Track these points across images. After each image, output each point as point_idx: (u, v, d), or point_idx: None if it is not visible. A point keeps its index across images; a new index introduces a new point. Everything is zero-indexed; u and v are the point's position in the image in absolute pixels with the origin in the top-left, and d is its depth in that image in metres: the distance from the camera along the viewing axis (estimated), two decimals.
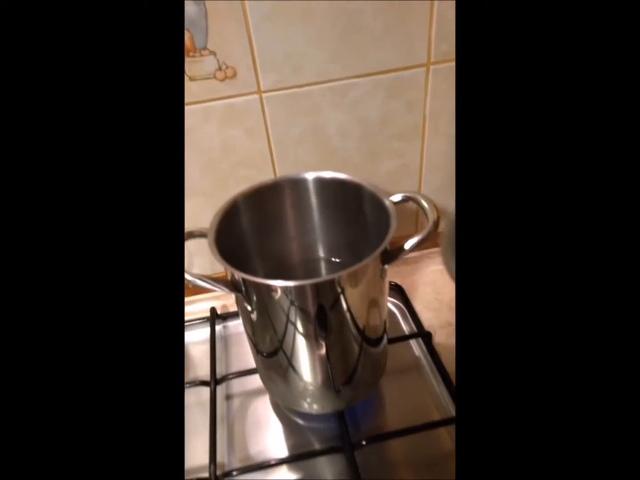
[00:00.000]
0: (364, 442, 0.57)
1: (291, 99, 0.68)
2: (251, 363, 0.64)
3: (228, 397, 0.68)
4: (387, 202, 0.53)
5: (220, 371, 0.69)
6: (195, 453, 0.58)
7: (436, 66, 0.68)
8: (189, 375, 0.71)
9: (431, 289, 0.80)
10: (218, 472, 0.56)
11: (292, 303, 0.48)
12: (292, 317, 0.50)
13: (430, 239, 0.49)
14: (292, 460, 0.59)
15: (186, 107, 0.66)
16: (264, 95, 0.67)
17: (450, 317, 0.75)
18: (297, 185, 0.62)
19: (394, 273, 0.80)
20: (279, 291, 0.48)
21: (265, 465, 0.57)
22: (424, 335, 0.70)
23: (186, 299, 0.81)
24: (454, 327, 0.73)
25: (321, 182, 0.61)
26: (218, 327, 0.77)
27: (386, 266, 0.50)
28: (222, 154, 0.71)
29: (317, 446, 0.61)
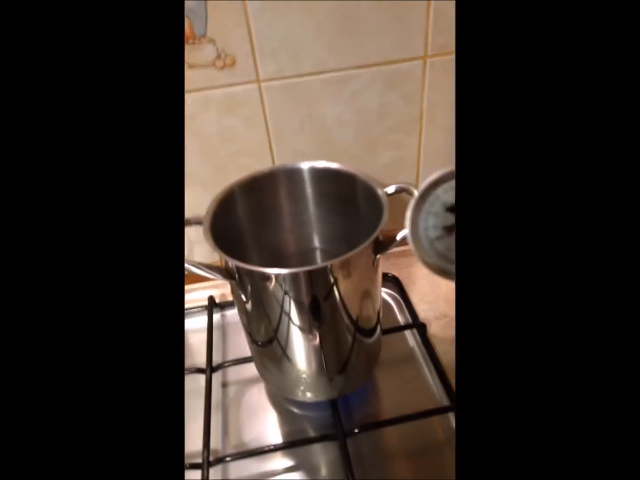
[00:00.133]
0: (356, 430, 0.58)
1: (290, 89, 0.68)
2: (247, 352, 0.64)
3: (224, 385, 0.68)
4: (380, 193, 0.53)
5: (216, 359, 0.70)
6: (190, 439, 0.58)
7: (433, 59, 0.68)
8: (186, 363, 0.71)
9: (427, 281, 0.80)
10: (211, 458, 0.56)
11: (285, 291, 0.49)
12: (286, 304, 0.50)
13: None
14: (284, 447, 0.59)
15: (185, 95, 0.66)
16: (262, 84, 0.67)
17: (446, 309, 0.75)
18: (292, 174, 0.62)
19: (390, 265, 0.80)
20: (273, 279, 0.48)
21: (258, 452, 0.58)
22: (419, 327, 0.71)
23: (185, 287, 0.81)
24: (449, 319, 0.74)
25: (316, 172, 0.61)
26: (216, 316, 0.78)
27: (379, 256, 0.51)
28: (220, 142, 0.71)
29: (310, 434, 0.61)
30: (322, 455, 0.59)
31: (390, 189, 0.55)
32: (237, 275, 0.50)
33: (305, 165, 0.61)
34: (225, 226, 0.56)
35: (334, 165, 0.60)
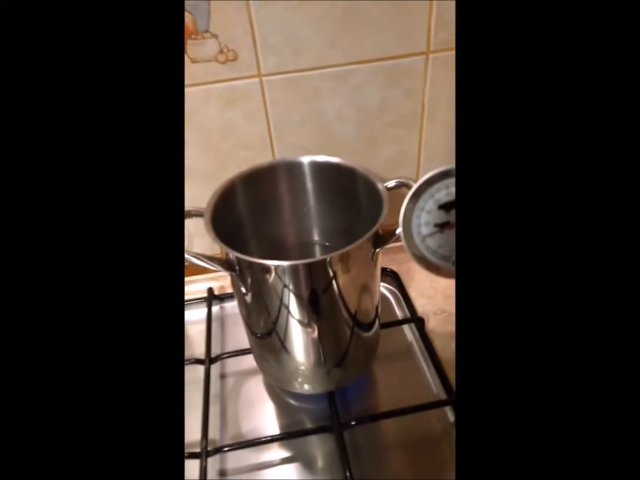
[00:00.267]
0: (353, 423, 0.58)
1: (291, 83, 0.68)
2: (246, 344, 0.65)
3: (222, 376, 0.69)
4: (380, 187, 0.53)
5: (215, 350, 0.70)
6: (188, 429, 0.58)
7: (435, 55, 0.68)
8: (185, 354, 0.71)
9: (426, 276, 0.79)
10: (209, 448, 0.57)
11: (284, 283, 0.49)
12: (285, 297, 0.50)
13: None
14: (282, 438, 0.60)
15: (187, 89, 0.66)
16: (264, 78, 0.67)
17: (444, 304, 0.76)
18: (293, 168, 0.62)
19: (389, 260, 0.81)
20: (272, 271, 0.48)
21: (255, 443, 0.58)
22: (417, 321, 0.71)
23: (185, 279, 0.82)
24: (447, 314, 0.74)
25: (316, 166, 0.62)
26: (215, 308, 0.78)
27: (378, 250, 0.51)
28: (222, 136, 0.71)
29: (308, 426, 0.62)
30: (319, 447, 0.59)
31: (390, 184, 0.55)
32: (237, 267, 0.50)
33: (305, 159, 0.61)
34: (225, 219, 0.56)
35: (334, 159, 0.60)
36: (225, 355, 0.69)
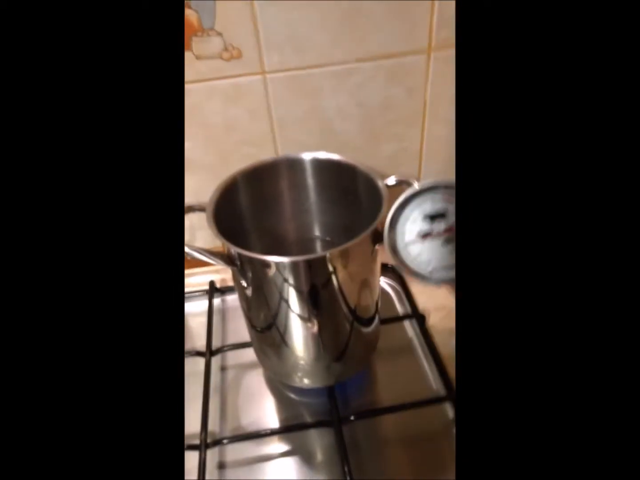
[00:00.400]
0: (352, 418, 0.59)
1: (294, 81, 0.68)
2: (247, 337, 0.65)
3: (223, 369, 0.69)
4: (380, 184, 0.54)
5: (216, 343, 0.71)
6: (188, 421, 0.59)
7: (437, 53, 0.68)
8: (186, 346, 0.72)
9: None
10: (209, 440, 0.57)
11: (285, 279, 0.49)
12: (285, 292, 0.51)
13: None
14: (281, 431, 0.60)
15: (192, 85, 0.67)
16: (267, 76, 0.67)
17: (445, 300, 0.76)
18: (294, 165, 0.62)
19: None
20: (273, 266, 0.49)
21: (254, 436, 0.59)
22: (418, 317, 0.71)
23: (186, 272, 0.82)
24: (448, 310, 0.74)
25: (318, 163, 0.62)
26: (216, 300, 0.79)
27: (377, 246, 0.51)
28: (225, 132, 0.72)
29: (307, 420, 0.62)
30: (318, 441, 0.60)
31: (391, 181, 0.55)
32: (238, 262, 0.51)
33: (307, 156, 0.62)
34: (228, 213, 0.56)
35: (335, 156, 0.61)
36: (226, 348, 0.69)
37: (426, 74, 0.70)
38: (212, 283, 0.79)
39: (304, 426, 0.60)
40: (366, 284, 0.55)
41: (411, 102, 0.73)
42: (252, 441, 0.59)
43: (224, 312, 0.78)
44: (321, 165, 0.62)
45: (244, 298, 0.57)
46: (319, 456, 0.59)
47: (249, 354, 0.66)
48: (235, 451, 0.59)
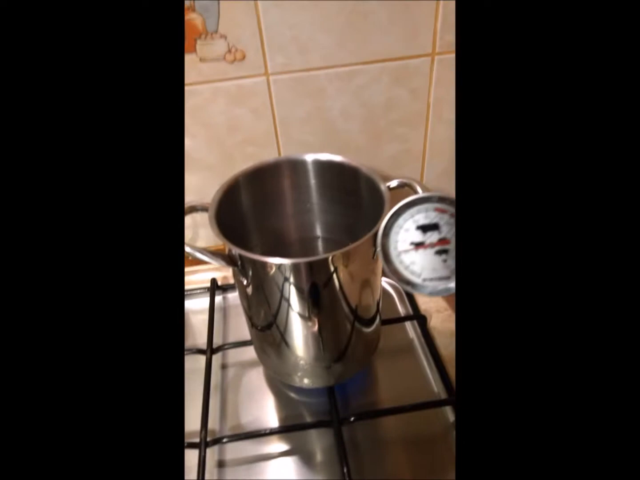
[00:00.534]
0: (352, 419, 0.58)
1: (297, 82, 0.68)
2: (248, 334, 0.65)
3: (223, 367, 0.69)
4: (382, 187, 0.53)
5: (217, 341, 0.71)
6: (188, 419, 0.59)
7: (441, 56, 0.68)
8: (187, 343, 0.72)
9: None
10: (208, 438, 0.57)
11: (286, 280, 0.49)
12: (286, 293, 0.51)
13: None
14: (281, 431, 0.60)
15: (195, 86, 0.67)
16: (271, 77, 0.67)
17: (447, 302, 0.76)
18: (297, 165, 0.62)
19: None
20: (274, 268, 0.48)
21: (254, 435, 0.59)
22: (419, 318, 0.71)
23: (188, 269, 0.82)
24: (449, 312, 0.74)
25: (320, 164, 0.62)
26: (218, 298, 0.79)
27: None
28: (228, 132, 0.72)
29: (307, 419, 0.62)
30: (318, 441, 0.60)
31: (393, 183, 0.55)
32: (239, 262, 0.50)
33: (309, 157, 0.62)
34: (230, 213, 0.56)
35: (337, 158, 0.60)
36: (227, 346, 0.69)
37: (430, 77, 0.70)
38: (213, 280, 0.79)
39: (304, 426, 0.60)
40: (367, 285, 0.55)
41: (415, 104, 0.72)
42: (252, 440, 0.59)
43: (225, 309, 0.78)
44: (323, 167, 0.62)
45: (244, 297, 0.57)
46: (318, 456, 0.58)
47: (250, 352, 0.66)
48: (234, 450, 0.59)
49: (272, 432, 0.59)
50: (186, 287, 0.80)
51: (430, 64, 0.69)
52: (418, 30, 0.66)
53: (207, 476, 0.54)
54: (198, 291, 0.80)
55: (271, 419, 0.63)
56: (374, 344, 0.64)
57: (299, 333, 0.55)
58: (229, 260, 0.51)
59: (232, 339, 0.72)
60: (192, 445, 0.56)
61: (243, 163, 0.60)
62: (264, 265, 0.49)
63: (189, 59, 0.65)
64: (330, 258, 0.48)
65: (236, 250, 0.49)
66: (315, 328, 0.54)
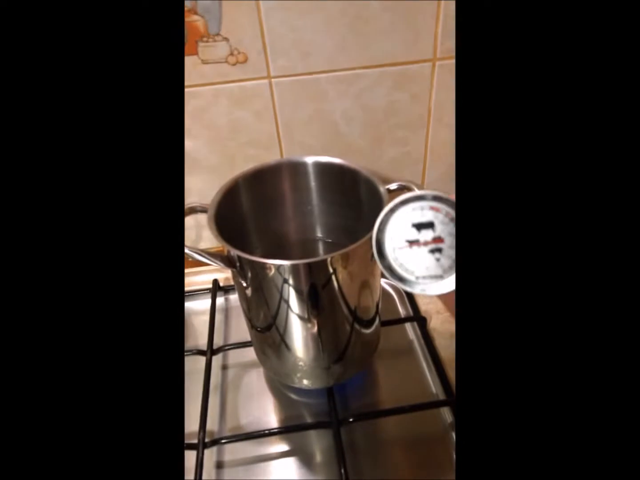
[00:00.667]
0: (351, 420, 0.58)
1: (299, 85, 0.68)
2: (249, 336, 0.64)
3: (224, 367, 0.68)
4: (381, 189, 0.53)
5: (218, 341, 0.70)
6: (187, 420, 0.58)
7: (442, 62, 0.68)
8: (188, 344, 0.71)
9: None
10: (207, 439, 0.56)
11: (285, 281, 0.49)
12: (285, 294, 0.50)
13: None
14: (279, 432, 0.59)
15: (197, 88, 0.67)
16: (273, 80, 0.67)
17: (444, 303, 0.75)
18: (297, 168, 0.62)
19: None
20: (273, 269, 0.48)
21: (253, 436, 0.58)
22: (419, 320, 0.70)
23: (191, 270, 0.82)
24: (449, 313, 0.73)
25: (320, 166, 0.61)
26: (219, 299, 0.78)
27: None
28: (231, 134, 0.71)
29: (307, 420, 0.61)
30: (317, 442, 0.59)
31: (393, 186, 0.55)
32: (238, 264, 0.50)
33: (309, 160, 0.61)
34: (230, 215, 0.56)
35: (337, 160, 0.60)
36: (227, 347, 0.68)
37: (431, 82, 0.70)
38: (215, 282, 0.78)
39: (303, 427, 0.59)
40: (366, 286, 0.54)
41: (416, 108, 0.72)
42: (250, 441, 0.58)
43: (227, 310, 0.78)
44: (323, 169, 0.61)
45: (244, 299, 0.56)
46: (317, 457, 0.58)
47: (251, 353, 0.65)
48: (233, 451, 0.58)
49: (270, 433, 0.58)
50: (188, 288, 0.80)
51: (431, 69, 0.68)
52: (419, 36, 0.65)
53: (205, 477, 0.54)
54: (200, 292, 0.79)
55: (271, 419, 0.62)
56: (374, 345, 0.64)
57: (299, 334, 0.55)
58: (228, 261, 0.50)
59: (233, 339, 0.71)
60: (190, 447, 0.56)
61: (245, 165, 0.60)
62: (263, 266, 0.48)
63: (191, 61, 0.64)
64: (329, 259, 0.48)
65: (234, 252, 0.48)
66: (315, 329, 0.54)
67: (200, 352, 0.67)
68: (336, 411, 0.59)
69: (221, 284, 0.79)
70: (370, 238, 0.47)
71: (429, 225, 0.35)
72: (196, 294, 0.79)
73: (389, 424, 0.60)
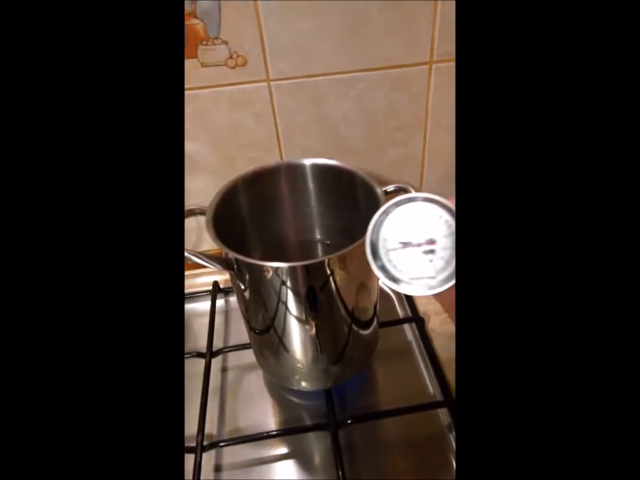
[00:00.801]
0: (349, 421, 0.57)
1: (298, 88, 0.67)
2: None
3: (223, 370, 0.67)
4: (378, 191, 0.52)
5: (218, 343, 0.69)
6: (186, 423, 0.57)
7: (439, 65, 0.67)
8: (188, 346, 0.70)
9: None
10: (205, 442, 0.55)
11: (283, 283, 0.48)
12: (283, 297, 0.49)
13: None
14: (278, 434, 0.58)
15: (198, 91, 0.66)
16: (272, 83, 0.67)
17: (440, 305, 0.74)
18: (295, 170, 0.61)
19: None
20: (270, 272, 0.47)
21: (251, 438, 0.57)
22: (418, 321, 0.69)
23: (192, 272, 0.81)
24: (447, 314, 0.72)
25: (318, 168, 0.61)
26: (220, 301, 0.77)
27: None
28: (230, 136, 0.71)
29: (306, 422, 0.60)
30: (315, 444, 0.58)
31: (390, 188, 0.54)
32: (235, 266, 0.49)
33: (307, 162, 0.61)
34: (229, 218, 0.55)
35: (334, 162, 0.59)
36: (227, 349, 0.68)
37: (428, 85, 0.69)
38: (215, 283, 0.78)
39: (301, 429, 0.59)
40: (364, 287, 0.53)
41: (414, 110, 0.72)
42: (249, 444, 0.57)
43: (227, 312, 0.77)
44: (321, 171, 0.61)
45: (242, 301, 0.55)
46: (316, 459, 0.57)
47: (250, 356, 0.64)
48: (231, 454, 0.57)
49: (268, 436, 0.58)
50: (189, 290, 0.79)
51: (428, 71, 0.68)
52: (416, 40, 0.65)
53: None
54: (201, 294, 0.78)
55: (269, 422, 0.61)
56: (372, 347, 0.63)
57: (297, 336, 0.54)
58: (226, 264, 0.50)
59: (233, 342, 0.70)
60: (189, 450, 0.55)
61: (246, 167, 0.59)
62: (260, 269, 0.48)
63: (190, 64, 0.64)
64: (326, 261, 0.47)
65: (232, 254, 0.48)
66: (313, 331, 0.53)
67: (200, 355, 0.66)
68: (334, 413, 0.58)
69: (221, 286, 0.78)
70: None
71: (422, 227, 0.34)
72: (196, 295, 0.78)
73: (387, 426, 0.59)
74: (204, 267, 0.76)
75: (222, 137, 0.71)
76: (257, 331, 0.57)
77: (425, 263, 0.34)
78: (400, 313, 0.74)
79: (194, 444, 0.55)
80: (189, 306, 0.78)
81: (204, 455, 0.54)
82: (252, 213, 0.61)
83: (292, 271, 0.47)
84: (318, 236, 0.68)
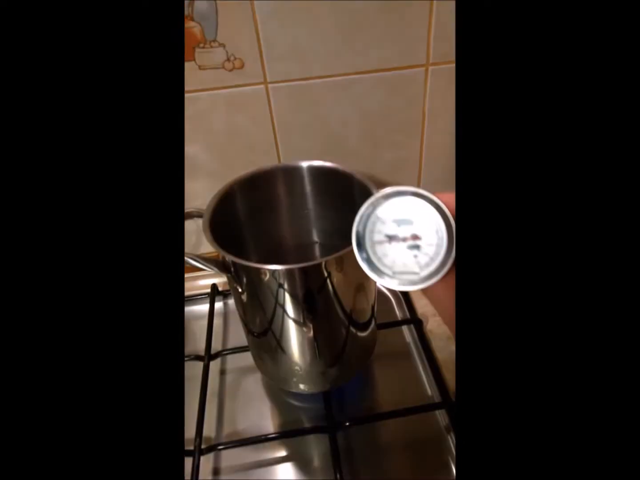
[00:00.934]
0: (347, 424, 0.56)
1: (296, 91, 0.67)
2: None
3: (222, 372, 0.66)
4: (375, 192, 0.51)
5: (217, 346, 0.68)
6: (185, 425, 0.56)
7: (435, 67, 0.67)
8: (187, 349, 0.69)
9: None
10: (203, 446, 0.54)
11: (280, 286, 0.47)
12: (281, 299, 0.49)
13: None
14: (276, 437, 0.57)
15: (195, 94, 0.65)
16: (269, 86, 0.66)
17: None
18: (292, 172, 0.61)
19: None
20: (267, 274, 0.47)
21: (249, 441, 0.56)
22: (416, 322, 0.68)
23: (190, 275, 0.80)
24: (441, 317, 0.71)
25: (315, 170, 0.60)
26: (218, 304, 0.76)
27: None
28: (229, 138, 0.70)
29: (305, 425, 0.59)
30: (314, 447, 0.57)
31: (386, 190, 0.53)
32: (232, 269, 0.49)
33: (304, 164, 0.60)
34: (227, 221, 0.54)
35: (331, 164, 0.59)
36: (225, 352, 0.67)
37: (424, 87, 0.69)
38: (214, 286, 0.77)
39: (299, 432, 0.58)
40: (362, 289, 0.53)
41: (411, 112, 0.71)
42: (248, 447, 0.56)
43: (226, 315, 0.76)
44: (318, 173, 0.60)
45: (239, 304, 0.55)
46: (314, 462, 0.56)
47: (249, 358, 0.63)
48: (230, 457, 0.56)
49: (267, 439, 0.57)
50: (187, 292, 0.78)
51: (424, 74, 0.67)
52: (413, 42, 0.65)
53: None
54: (199, 297, 0.77)
55: (268, 424, 0.60)
56: (370, 349, 0.62)
57: (295, 339, 0.53)
58: (223, 267, 0.49)
59: (232, 344, 0.69)
60: (187, 453, 0.54)
61: (243, 170, 0.59)
62: (258, 271, 0.47)
63: (188, 67, 0.63)
64: (323, 263, 0.47)
65: (229, 257, 0.47)
66: (311, 333, 0.52)
67: (198, 357, 0.65)
68: (332, 415, 0.57)
69: (220, 289, 0.78)
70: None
71: (408, 221, 0.33)
72: (195, 298, 0.78)
73: (386, 428, 0.58)
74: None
75: (220, 139, 0.70)
76: (255, 334, 0.56)
77: (409, 258, 0.34)
78: (399, 315, 0.73)
79: (192, 447, 0.54)
80: (187, 309, 0.77)
81: (202, 458, 0.53)
82: (250, 216, 0.61)
83: (289, 274, 0.46)
84: (315, 238, 0.67)
